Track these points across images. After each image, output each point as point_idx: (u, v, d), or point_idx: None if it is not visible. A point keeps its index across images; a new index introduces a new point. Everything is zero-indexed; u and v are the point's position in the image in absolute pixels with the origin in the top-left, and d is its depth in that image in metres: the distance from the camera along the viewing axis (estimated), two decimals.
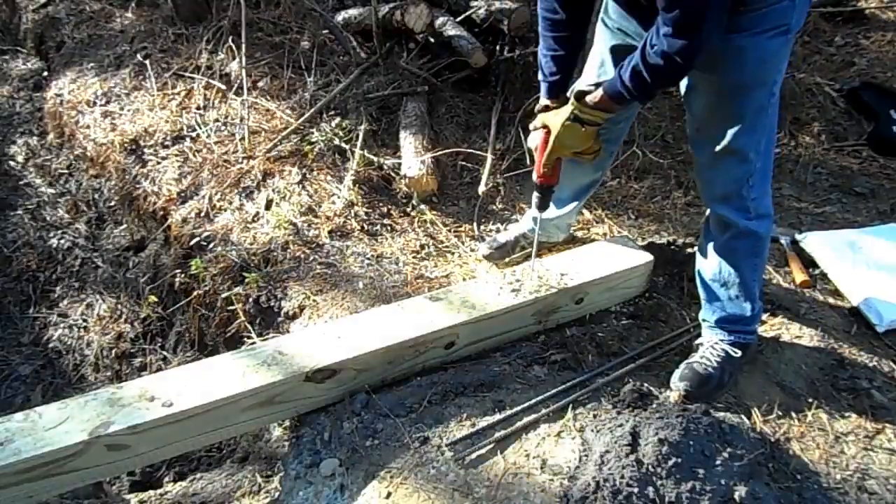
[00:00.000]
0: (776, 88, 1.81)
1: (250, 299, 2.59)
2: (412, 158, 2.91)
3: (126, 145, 3.38)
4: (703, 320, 2.16)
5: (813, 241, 2.59)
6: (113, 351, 3.16)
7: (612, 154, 2.41)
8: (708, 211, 2.06)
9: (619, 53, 1.96)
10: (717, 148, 1.85)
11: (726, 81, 1.78)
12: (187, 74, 3.62)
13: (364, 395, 1.98)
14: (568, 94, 1.95)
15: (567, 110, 1.90)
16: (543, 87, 2.01)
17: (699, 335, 2.18)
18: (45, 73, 4.57)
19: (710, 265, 2.07)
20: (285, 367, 1.89)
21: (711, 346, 2.07)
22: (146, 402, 1.77)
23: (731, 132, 1.81)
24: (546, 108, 2.01)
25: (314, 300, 2.43)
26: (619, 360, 2.12)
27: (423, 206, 2.85)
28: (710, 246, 2.06)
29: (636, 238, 2.63)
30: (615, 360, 2.11)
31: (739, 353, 2.05)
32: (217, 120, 3.35)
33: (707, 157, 1.92)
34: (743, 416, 1.95)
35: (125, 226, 3.52)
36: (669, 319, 2.31)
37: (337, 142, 3.05)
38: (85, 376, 3.14)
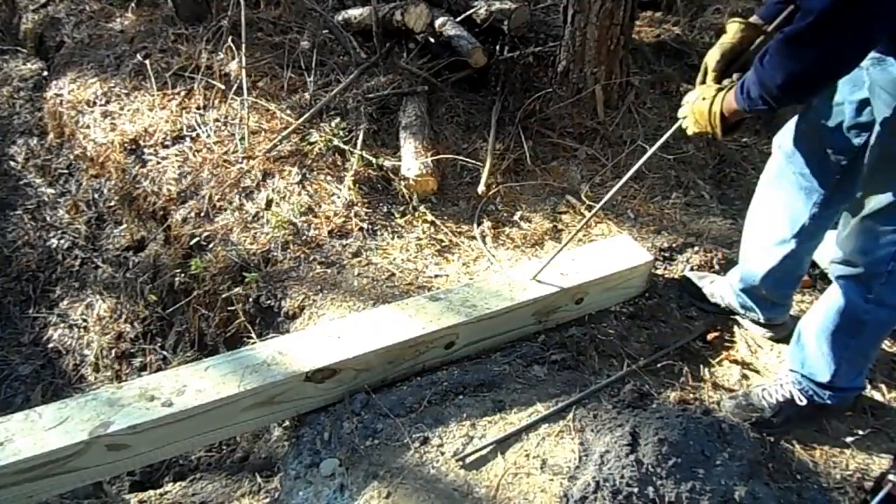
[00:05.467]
0: None
1: (250, 299, 2.59)
2: (412, 159, 2.91)
3: (126, 145, 3.38)
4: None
5: None
6: (113, 351, 3.16)
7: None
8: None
9: None
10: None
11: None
12: (187, 74, 3.61)
13: (364, 395, 1.98)
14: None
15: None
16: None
17: (698, 335, 2.18)
18: (45, 73, 4.56)
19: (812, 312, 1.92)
20: (285, 367, 1.89)
21: (780, 381, 1.95)
22: (146, 402, 1.77)
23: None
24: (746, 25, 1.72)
25: (314, 300, 2.43)
26: (620, 363, 2.12)
27: (422, 207, 2.85)
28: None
29: (636, 238, 2.63)
30: (616, 362, 2.12)
31: (804, 403, 1.89)
32: (217, 120, 3.35)
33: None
34: None
35: (125, 226, 3.52)
36: (669, 319, 2.31)
37: (337, 142, 3.05)
38: (85, 376, 3.14)
